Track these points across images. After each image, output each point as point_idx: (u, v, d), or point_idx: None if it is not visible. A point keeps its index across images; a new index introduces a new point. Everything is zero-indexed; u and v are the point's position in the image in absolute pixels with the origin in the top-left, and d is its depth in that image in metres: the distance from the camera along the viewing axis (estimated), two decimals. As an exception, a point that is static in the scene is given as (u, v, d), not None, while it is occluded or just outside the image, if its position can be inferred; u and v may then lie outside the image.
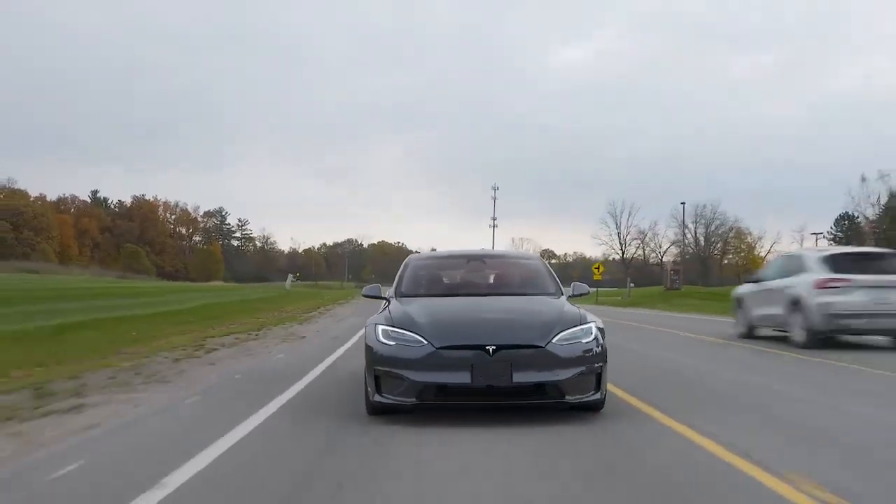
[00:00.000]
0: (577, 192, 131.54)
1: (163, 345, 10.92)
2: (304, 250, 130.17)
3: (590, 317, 5.48)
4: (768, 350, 10.86)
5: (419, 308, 5.55)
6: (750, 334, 12.79)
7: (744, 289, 13.68)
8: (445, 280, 6.85)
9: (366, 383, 5.26)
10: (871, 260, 11.72)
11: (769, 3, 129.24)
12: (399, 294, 6.22)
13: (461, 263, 7.22)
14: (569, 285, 6.59)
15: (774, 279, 12.24)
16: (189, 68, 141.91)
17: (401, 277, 6.55)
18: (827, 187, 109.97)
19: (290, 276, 48.15)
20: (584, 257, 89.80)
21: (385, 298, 6.30)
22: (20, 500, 3.46)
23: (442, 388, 4.91)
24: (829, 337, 10.89)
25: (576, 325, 5.25)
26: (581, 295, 6.56)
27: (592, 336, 5.22)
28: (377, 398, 5.05)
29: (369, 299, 6.78)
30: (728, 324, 14.60)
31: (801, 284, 11.10)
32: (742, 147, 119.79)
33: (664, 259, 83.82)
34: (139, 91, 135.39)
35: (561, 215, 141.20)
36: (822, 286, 10.67)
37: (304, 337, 13.44)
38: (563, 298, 6.10)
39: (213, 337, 12.56)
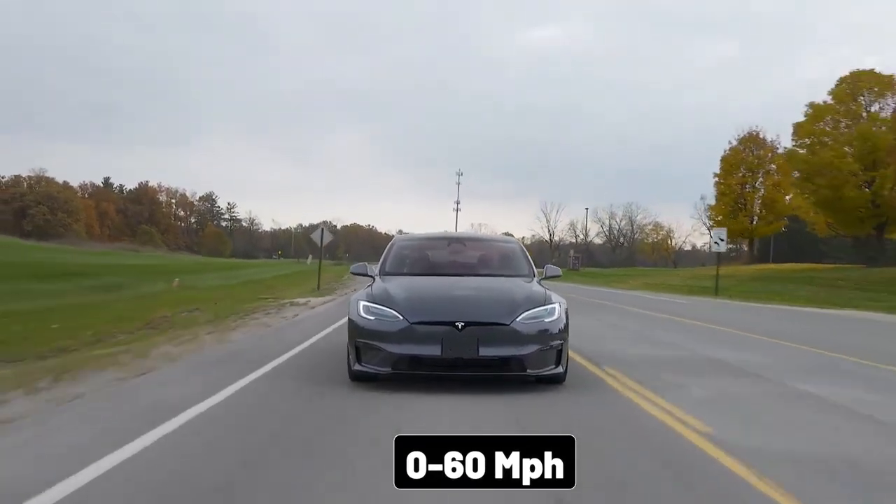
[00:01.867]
0: (539, 174, 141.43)
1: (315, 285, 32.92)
2: (282, 230, 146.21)
3: (554, 297, 6.08)
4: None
5: (398, 286, 6.21)
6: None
7: None
8: (427, 260, 7.38)
9: (348, 353, 5.99)
10: None
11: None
12: (383, 272, 6.93)
13: (443, 245, 7.82)
14: (543, 267, 7.27)
15: None
16: (151, 48, 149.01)
17: (386, 257, 7.23)
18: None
19: (310, 256, 68.93)
20: (542, 240, 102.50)
21: (371, 276, 6.91)
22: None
23: (415, 360, 5.58)
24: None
25: (540, 306, 5.85)
26: (553, 277, 7.18)
27: (555, 316, 5.84)
28: (357, 367, 5.79)
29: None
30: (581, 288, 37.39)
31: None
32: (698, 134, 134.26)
33: (590, 244, 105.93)
34: (101, 69, 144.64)
35: (523, 197, 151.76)
36: None
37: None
38: (535, 280, 6.69)
39: (328, 283, 34.52)
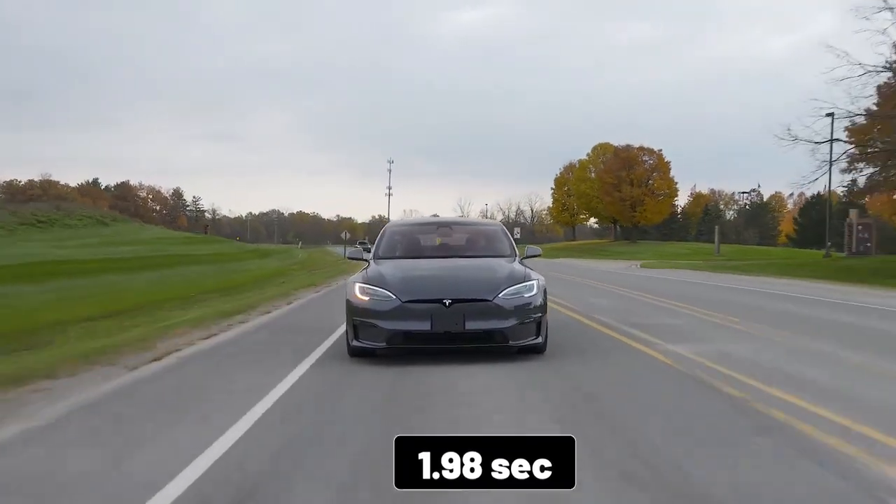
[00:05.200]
0: (470, 154, 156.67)
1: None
2: (234, 218, 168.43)
3: (533, 275, 6.81)
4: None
5: (390, 268, 6.96)
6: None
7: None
8: (417, 244, 8.15)
9: (346, 331, 6.76)
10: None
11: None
12: (377, 256, 7.63)
13: (431, 229, 8.62)
14: (524, 248, 8.02)
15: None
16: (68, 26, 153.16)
17: (379, 242, 7.95)
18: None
19: (300, 243, 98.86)
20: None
21: (366, 261, 7.68)
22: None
23: (407, 334, 6.30)
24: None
25: (520, 283, 6.58)
26: (533, 256, 7.88)
27: (534, 291, 6.58)
28: (355, 343, 6.53)
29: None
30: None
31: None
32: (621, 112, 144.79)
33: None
34: (14, 48, 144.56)
35: (452, 175, 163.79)
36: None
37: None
38: (516, 260, 7.39)
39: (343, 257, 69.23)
